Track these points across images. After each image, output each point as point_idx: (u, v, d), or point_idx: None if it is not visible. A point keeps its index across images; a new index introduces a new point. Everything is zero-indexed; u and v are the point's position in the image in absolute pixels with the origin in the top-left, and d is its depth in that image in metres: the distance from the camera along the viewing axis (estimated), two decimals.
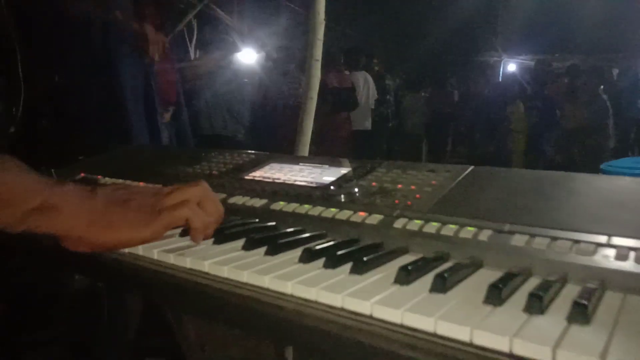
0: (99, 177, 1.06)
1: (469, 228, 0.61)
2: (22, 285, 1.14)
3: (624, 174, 2.19)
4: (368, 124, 5.67)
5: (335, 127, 5.14)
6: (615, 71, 6.29)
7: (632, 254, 0.51)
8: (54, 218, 0.57)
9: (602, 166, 2.43)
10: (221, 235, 0.65)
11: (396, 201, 0.72)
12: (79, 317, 1.15)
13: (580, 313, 0.41)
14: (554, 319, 0.41)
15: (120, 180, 1.00)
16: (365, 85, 5.65)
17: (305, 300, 0.48)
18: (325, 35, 1.94)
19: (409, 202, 0.71)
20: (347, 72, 5.38)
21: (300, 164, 0.97)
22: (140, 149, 1.31)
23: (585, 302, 0.41)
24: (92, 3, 1.67)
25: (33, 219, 0.56)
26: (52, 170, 1.11)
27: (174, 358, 1.08)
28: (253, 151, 1.08)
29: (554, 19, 9.41)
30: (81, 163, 1.14)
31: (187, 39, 2.98)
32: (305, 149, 2.08)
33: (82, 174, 1.09)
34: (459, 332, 0.39)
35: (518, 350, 0.37)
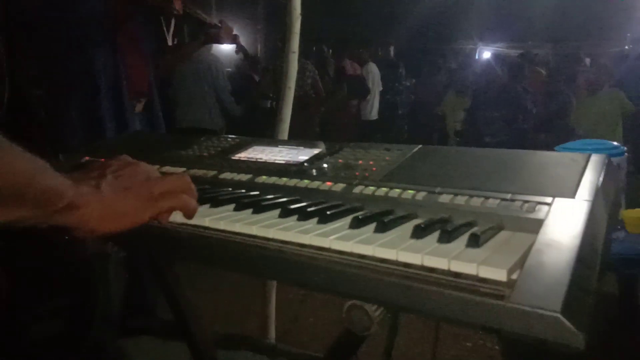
0: (103, 160, 1.20)
1: (409, 191, 0.78)
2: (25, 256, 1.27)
3: None
4: (375, 114, 5.84)
5: (346, 115, 5.33)
6: (587, 59, 6.48)
7: (524, 205, 0.69)
8: (74, 214, 0.63)
9: (555, 148, 2.65)
10: (215, 201, 0.82)
11: (357, 173, 0.89)
12: (80, 286, 1.29)
13: (474, 241, 0.58)
14: (456, 245, 0.59)
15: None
16: (371, 75, 5.78)
17: (283, 241, 0.65)
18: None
19: (366, 174, 0.88)
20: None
21: (280, 146, 1.13)
22: (137, 136, 1.45)
23: (478, 233, 0.59)
24: None
25: (59, 216, 0.62)
26: (60, 155, 1.25)
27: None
28: (237, 136, 1.24)
29: (528, 5, 9.64)
30: (86, 148, 1.28)
31: (165, 29, 3.07)
32: (284, 136, 2.25)
33: (87, 157, 1.24)
34: (387, 253, 0.57)
35: (427, 263, 0.55)
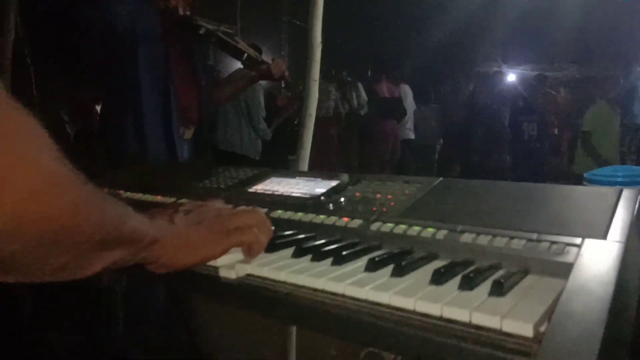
0: (121, 192, 1.21)
1: (430, 229, 0.75)
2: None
3: (604, 182, 2.32)
4: (411, 134, 5.91)
5: (384, 136, 5.41)
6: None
7: (551, 247, 0.65)
8: (154, 248, 0.64)
9: (585, 175, 2.56)
10: None
11: (374, 208, 0.86)
12: (98, 313, 1.29)
13: (497, 289, 0.55)
14: (479, 292, 0.56)
15: (140, 195, 1.15)
16: (404, 96, 5.87)
17: (296, 285, 0.62)
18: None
19: (384, 209, 0.85)
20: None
21: (297, 177, 1.11)
22: (156, 165, 1.46)
23: (502, 280, 0.55)
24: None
25: (143, 252, 0.63)
26: None
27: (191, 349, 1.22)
28: (256, 167, 1.23)
29: (553, 28, 9.56)
30: (105, 179, 1.29)
31: (212, 60, 3.13)
32: (305, 162, 2.24)
33: (106, 190, 1.24)
34: (404, 302, 0.53)
35: (446, 314, 0.51)
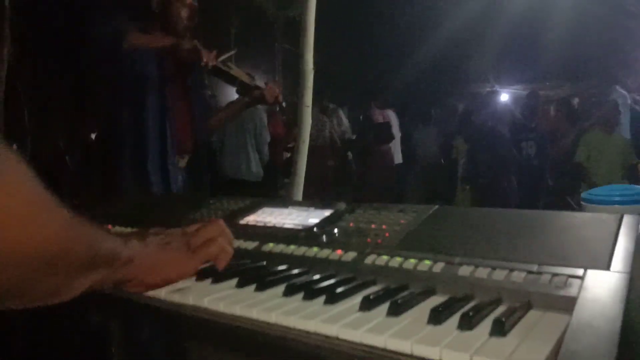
0: (110, 226, 1.18)
1: (426, 262, 0.72)
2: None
3: (602, 202, 2.30)
4: (399, 158, 5.98)
5: (378, 160, 5.46)
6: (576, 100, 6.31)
7: (553, 279, 0.62)
8: (130, 268, 0.68)
9: (582, 194, 2.54)
10: (217, 275, 0.77)
11: (368, 240, 0.84)
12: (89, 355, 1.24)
13: (498, 328, 0.52)
14: (479, 332, 0.53)
15: (129, 229, 1.12)
16: (393, 123, 5.96)
17: (286, 327, 0.59)
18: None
19: (379, 241, 0.83)
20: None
21: (290, 207, 1.09)
22: (145, 198, 1.43)
23: (503, 319, 0.53)
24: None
25: (120, 272, 0.66)
26: None
27: None
28: (248, 197, 1.20)
29: (545, 47, 9.68)
30: (97, 212, 1.26)
31: (209, 88, 3.13)
32: (299, 188, 2.22)
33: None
34: (401, 345, 0.50)
35: (446, 357, 0.48)
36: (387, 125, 5.70)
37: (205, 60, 1.90)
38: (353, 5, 9.71)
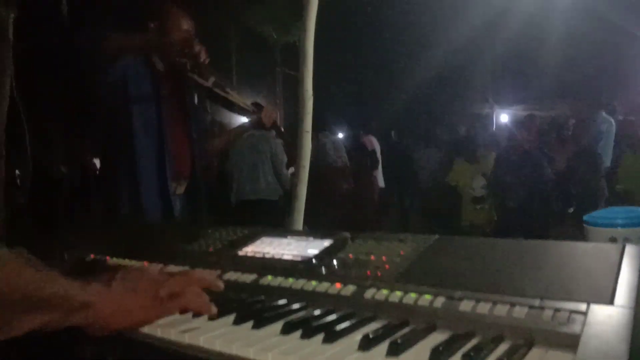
0: (108, 257, 1.17)
1: (427, 296, 0.71)
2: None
3: (604, 224, 2.27)
4: (382, 182, 6.05)
5: (367, 185, 5.54)
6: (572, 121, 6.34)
7: (555, 315, 0.61)
8: (88, 312, 0.69)
9: (584, 217, 2.51)
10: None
11: (368, 272, 0.82)
12: None
13: None
14: None
15: (127, 261, 1.11)
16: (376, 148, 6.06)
17: None
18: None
19: (379, 273, 0.81)
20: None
21: (289, 237, 1.08)
22: (143, 227, 1.42)
23: (505, 359, 0.51)
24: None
25: (75, 316, 0.68)
26: (65, 254, 1.22)
27: None
28: (247, 227, 1.19)
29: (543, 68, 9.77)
30: (90, 245, 1.25)
31: (209, 113, 3.16)
32: (300, 214, 2.21)
33: (92, 256, 1.20)
34: None
35: None
36: (374, 152, 5.85)
37: (197, 51, 1.89)
38: (350, 28, 9.85)
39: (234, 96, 2.12)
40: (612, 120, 5.49)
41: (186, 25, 1.92)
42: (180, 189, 1.98)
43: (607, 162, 5.12)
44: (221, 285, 0.83)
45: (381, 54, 10.52)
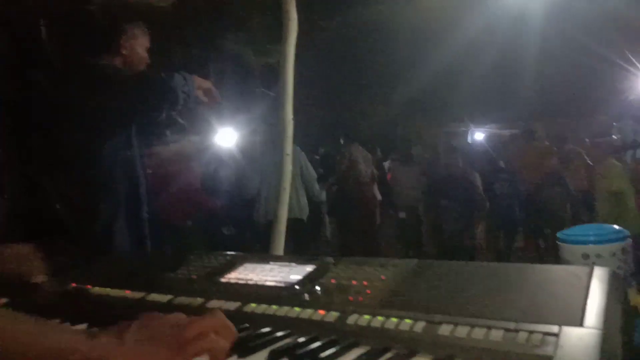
0: (89, 286, 1.16)
1: (407, 321, 0.73)
2: None
3: (575, 241, 2.34)
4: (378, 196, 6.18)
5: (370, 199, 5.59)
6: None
7: (530, 337, 0.64)
8: None
9: (558, 234, 2.58)
10: None
11: (350, 298, 0.85)
12: None
13: None
14: None
15: (108, 290, 1.11)
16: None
17: None
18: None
19: (360, 298, 0.84)
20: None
21: (271, 263, 1.09)
22: (124, 257, 1.42)
23: None
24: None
25: None
26: (41, 281, 1.21)
27: None
28: (228, 253, 1.20)
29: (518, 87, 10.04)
30: (71, 273, 1.24)
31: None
32: (281, 237, 2.22)
33: (73, 284, 1.20)
34: None
35: None
36: None
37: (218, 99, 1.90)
38: (331, 49, 9.99)
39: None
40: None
41: (147, 41, 1.95)
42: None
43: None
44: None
45: (359, 75, 10.69)
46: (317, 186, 4.37)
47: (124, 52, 1.89)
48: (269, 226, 3.99)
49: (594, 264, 1.32)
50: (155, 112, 1.78)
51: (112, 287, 1.12)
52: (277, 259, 1.13)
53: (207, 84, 1.94)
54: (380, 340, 0.72)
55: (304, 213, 4.24)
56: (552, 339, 0.63)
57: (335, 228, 5.76)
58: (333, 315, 0.80)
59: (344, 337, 0.75)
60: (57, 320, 0.70)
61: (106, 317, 0.76)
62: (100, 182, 1.78)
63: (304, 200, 4.24)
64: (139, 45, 1.92)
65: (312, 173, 4.33)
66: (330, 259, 1.03)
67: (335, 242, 5.76)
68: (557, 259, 1.58)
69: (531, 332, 0.65)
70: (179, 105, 1.76)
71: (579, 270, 0.78)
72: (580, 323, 0.64)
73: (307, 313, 0.83)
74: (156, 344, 0.62)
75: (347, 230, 5.45)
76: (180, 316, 0.69)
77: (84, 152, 1.76)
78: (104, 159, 1.75)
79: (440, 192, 4.69)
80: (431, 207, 4.96)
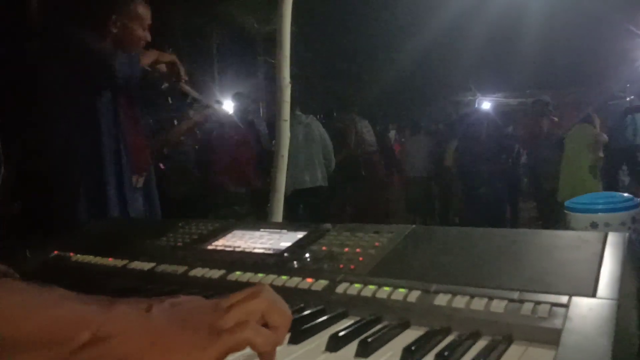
0: (72, 254, 1.11)
1: (401, 290, 0.67)
2: None
3: (584, 210, 2.27)
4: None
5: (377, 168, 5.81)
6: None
7: (535, 309, 0.57)
8: (108, 348, 0.46)
9: (566, 203, 2.50)
10: None
11: (341, 265, 0.78)
12: None
13: None
14: None
15: (91, 257, 1.06)
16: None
17: None
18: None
19: (352, 266, 0.77)
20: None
21: (262, 230, 1.03)
22: (109, 223, 1.36)
23: (481, 358, 0.47)
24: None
25: (84, 355, 0.46)
26: (27, 250, 1.15)
27: None
28: (219, 220, 1.14)
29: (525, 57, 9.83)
30: (53, 240, 1.19)
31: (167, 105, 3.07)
32: (279, 207, 2.16)
33: (56, 252, 1.14)
34: None
35: None
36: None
37: (183, 77, 1.84)
38: (331, 16, 9.77)
39: (187, 88, 2.04)
40: None
41: (147, 19, 1.85)
42: (141, 182, 1.89)
43: None
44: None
45: (364, 44, 10.48)
46: (333, 157, 4.42)
47: (114, 30, 1.79)
48: (293, 195, 4.06)
49: None
50: (93, 86, 1.72)
51: (94, 254, 1.06)
52: (268, 226, 1.06)
53: (169, 57, 1.89)
54: (371, 310, 0.66)
55: (326, 181, 4.31)
56: (560, 310, 0.56)
57: (345, 198, 5.80)
58: (321, 283, 0.74)
59: (332, 306, 0.69)
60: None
61: (87, 286, 0.70)
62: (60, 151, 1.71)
63: (324, 169, 4.32)
64: (134, 23, 1.81)
65: (329, 143, 4.36)
66: (327, 225, 0.97)
67: (347, 211, 5.79)
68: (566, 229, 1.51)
69: (537, 302, 0.58)
70: (117, 81, 1.69)
71: (591, 236, 0.71)
72: (592, 293, 0.58)
73: (294, 281, 0.77)
74: (186, 325, 0.49)
75: (358, 200, 5.55)
76: (222, 300, 0.53)
77: (51, 119, 1.70)
78: (68, 129, 1.69)
79: (477, 156, 4.67)
80: (466, 174, 4.93)
